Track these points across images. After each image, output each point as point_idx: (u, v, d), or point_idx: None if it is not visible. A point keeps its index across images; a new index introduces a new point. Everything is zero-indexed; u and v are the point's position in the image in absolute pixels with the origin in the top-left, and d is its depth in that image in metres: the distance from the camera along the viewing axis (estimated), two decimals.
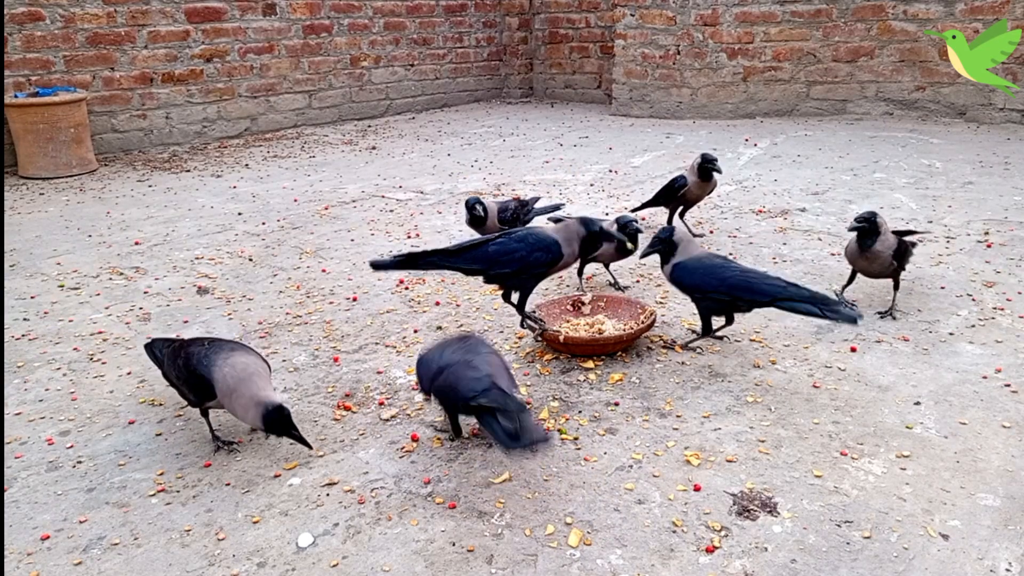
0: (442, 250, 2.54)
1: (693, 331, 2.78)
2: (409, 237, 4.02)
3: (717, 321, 2.62)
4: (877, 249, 2.78)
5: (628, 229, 2.89)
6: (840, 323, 2.40)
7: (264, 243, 3.98)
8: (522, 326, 2.72)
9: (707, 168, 3.65)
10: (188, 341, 2.23)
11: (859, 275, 2.96)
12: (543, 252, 2.54)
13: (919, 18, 6.80)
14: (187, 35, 6.59)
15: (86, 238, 4.15)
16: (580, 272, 3.24)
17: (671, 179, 3.79)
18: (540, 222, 3.33)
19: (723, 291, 2.47)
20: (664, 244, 2.59)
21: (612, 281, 3.30)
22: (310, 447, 2.04)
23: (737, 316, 2.70)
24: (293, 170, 5.73)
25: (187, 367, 2.08)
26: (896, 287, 2.94)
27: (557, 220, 2.94)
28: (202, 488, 1.99)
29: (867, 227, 2.77)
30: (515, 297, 2.66)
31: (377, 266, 2.55)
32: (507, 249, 2.52)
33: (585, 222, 2.62)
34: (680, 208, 3.86)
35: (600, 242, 2.65)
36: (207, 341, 2.18)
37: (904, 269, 2.93)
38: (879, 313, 2.91)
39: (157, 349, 2.30)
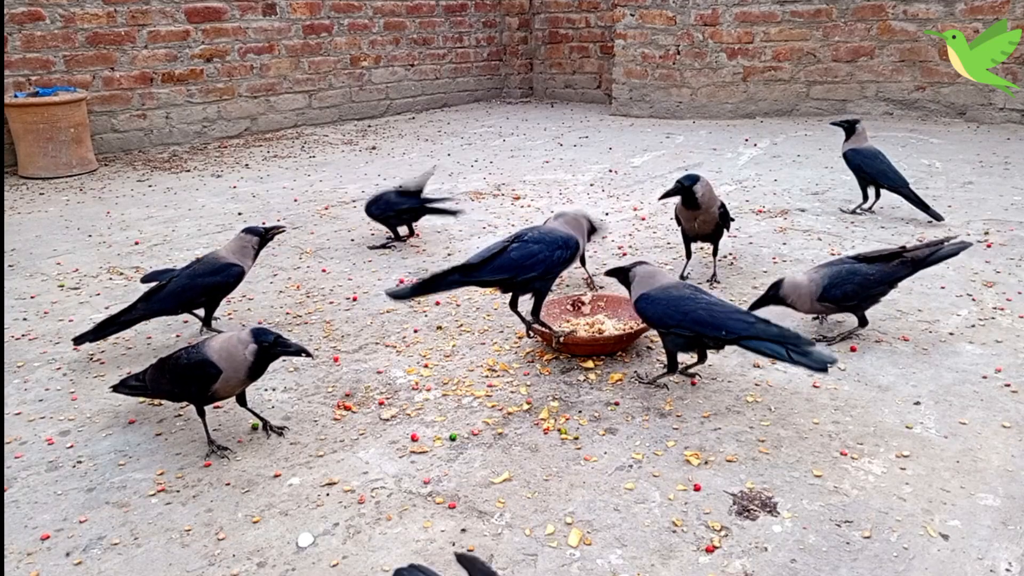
0: (461, 267, 2.48)
1: (662, 363, 2.54)
2: (408, 237, 4.01)
3: (690, 357, 2.45)
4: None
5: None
6: (806, 368, 2.11)
7: None
8: (529, 333, 2.70)
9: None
10: (164, 357, 2.23)
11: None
12: (563, 250, 2.54)
13: (919, 18, 6.80)
14: (187, 35, 6.59)
15: (86, 238, 4.15)
16: (583, 261, 3.29)
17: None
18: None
19: (686, 326, 2.24)
20: (620, 276, 2.50)
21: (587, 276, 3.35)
22: None
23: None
24: (293, 170, 5.74)
25: (178, 366, 2.10)
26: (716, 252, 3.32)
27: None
28: (202, 488, 1.99)
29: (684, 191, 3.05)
30: (523, 307, 2.62)
31: (397, 296, 2.50)
32: (529, 252, 2.50)
33: (590, 218, 2.72)
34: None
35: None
36: (178, 351, 2.19)
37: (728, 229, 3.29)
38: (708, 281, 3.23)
39: (132, 380, 2.29)
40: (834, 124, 4.29)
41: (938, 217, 3.92)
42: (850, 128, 4.12)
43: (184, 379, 2.10)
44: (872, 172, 4.03)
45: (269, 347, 2.05)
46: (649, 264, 2.50)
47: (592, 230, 2.80)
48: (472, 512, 1.86)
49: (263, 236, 2.94)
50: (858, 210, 4.18)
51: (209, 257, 2.89)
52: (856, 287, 2.59)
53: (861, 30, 7.02)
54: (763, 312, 2.38)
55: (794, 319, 2.89)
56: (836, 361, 2.12)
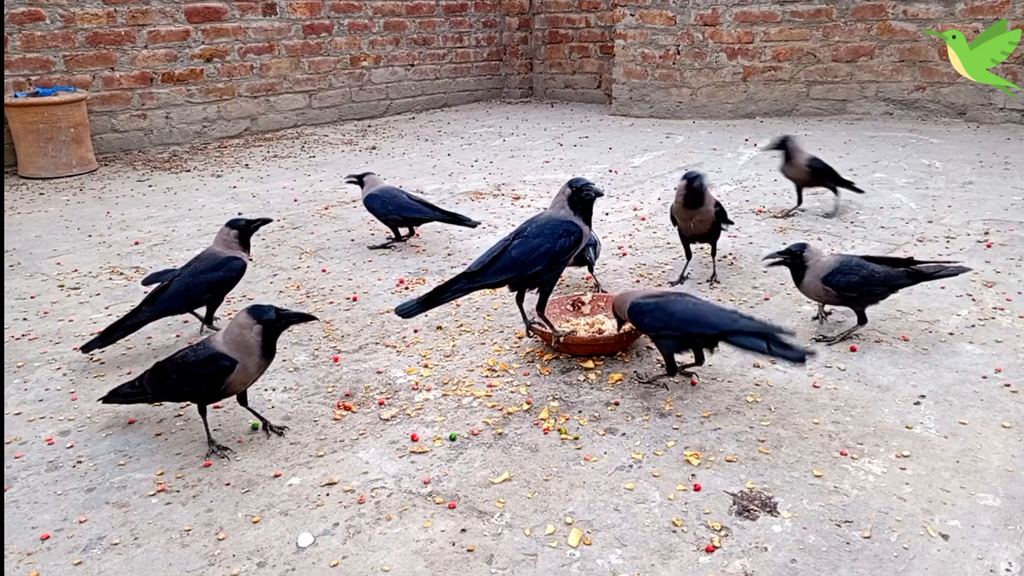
0: (465, 274, 2.46)
1: (662, 363, 2.54)
2: (408, 237, 4.01)
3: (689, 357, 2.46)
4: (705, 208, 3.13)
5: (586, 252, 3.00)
6: (785, 359, 2.18)
7: (264, 243, 3.98)
8: (529, 333, 2.70)
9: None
10: (163, 360, 2.18)
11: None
12: (565, 237, 2.47)
13: (919, 18, 6.80)
14: (187, 35, 6.59)
15: (86, 238, 4.15)
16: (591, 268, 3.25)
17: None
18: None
19: (673, 326, 2.31)
20: (620, 321, 2.57)
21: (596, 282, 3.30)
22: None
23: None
24: (293, 170, 5.74)
25: (188, 364, 2.07)
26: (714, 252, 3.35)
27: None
28: (202, 488, 1.99)
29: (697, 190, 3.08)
30: (528, 305, 2.60)
31: (405, 313, 2.44)
32: (531, 247, 2.45)
33: (569, 182, 2.54)
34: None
35: (584, 197, 2.53)
36: (180, 352, 2.16)
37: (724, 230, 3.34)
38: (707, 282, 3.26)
39: (126, 388, 2.22)
40: (766, 149, 4.34)
41: (858, 190, 4.21)
42: (783, 146, 4.05)
43: (196, 376, 2.06)
44: (835, 175, 4.10)
45: (273, 323, 2.05)
46: (622, 290, 2.61)
47: (578, 193, 2.56)
48: (472, 512, 1.86)
49: (243, 229, 2.89)
50: (795, 212, 4.23)
51: (206, 253, 2.88)
52: (860, 280, 2.62)
53: (861, 30, 7.02)
54: (761, 314, 2.40)
55: (794, 319, 2.89)
56: (815, 354, 2.17)
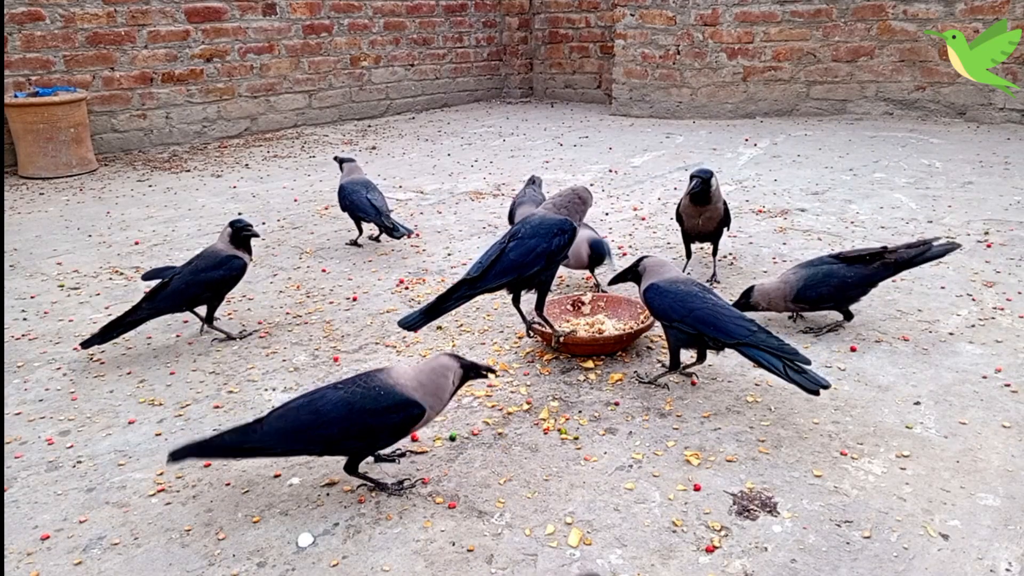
0: (465, 281, 2.43)
1: (662, 363, 2.58)
2: (408, 237, 4.02)
3: (690, 355, 2.44)
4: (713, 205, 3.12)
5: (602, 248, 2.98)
6: (799, 387, 2.09)
7: (264, 243, 3.98)
8: (529, 333, 2.69)
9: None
10: (296, 406, 1.86)
11: None
12: (560, 236, 2.48)
13: (919, 18, 6.80)
14: (187, 35, 6.59)
15: (86, 238, 4.16)
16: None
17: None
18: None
19: (689, 322, 2.26)
20: (631, 273, 2.52)
21: (596, 283, 3.30)
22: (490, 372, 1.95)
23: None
24: (293, 170, 5.74)
25: (363, 411, 1.81)
26: (715, 251, 3.34)
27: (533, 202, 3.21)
28: (202, 488, 1.99)
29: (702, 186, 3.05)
30: (526, 305, 2.61)
31: (409, 325, 2.38)
32: (528, 248, 2.45)
33: (578, 192, 2.62)
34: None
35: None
36: (332, 387, 1.88)
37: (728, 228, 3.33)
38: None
39: (230, 438, 1.83)
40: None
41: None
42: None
43: (373, 428, 1.80)
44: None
45: (467, 372, 1.88)
46: (654, 256, 2.53)
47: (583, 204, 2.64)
48: (472, 512, 1.86)
49: (237, 229, 2.86)
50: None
51: (207, 252, 2.88)
52: (832, 289, 2.65)
53: (861, 30, 7.02)
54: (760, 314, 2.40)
55: (788, 317, 2.89)
56: (829, 386, 2.12)
